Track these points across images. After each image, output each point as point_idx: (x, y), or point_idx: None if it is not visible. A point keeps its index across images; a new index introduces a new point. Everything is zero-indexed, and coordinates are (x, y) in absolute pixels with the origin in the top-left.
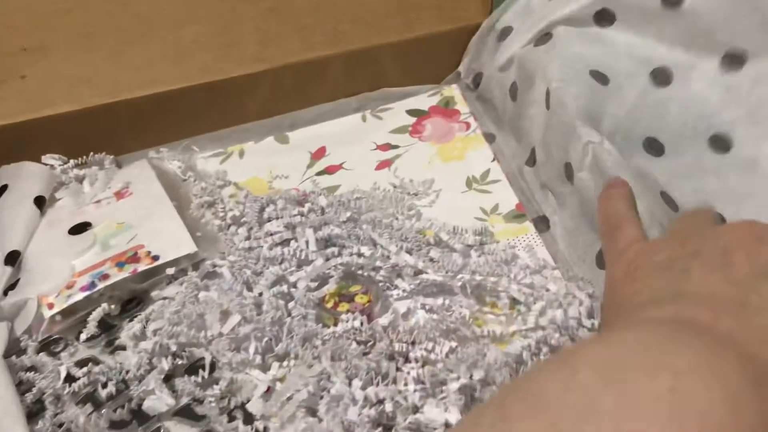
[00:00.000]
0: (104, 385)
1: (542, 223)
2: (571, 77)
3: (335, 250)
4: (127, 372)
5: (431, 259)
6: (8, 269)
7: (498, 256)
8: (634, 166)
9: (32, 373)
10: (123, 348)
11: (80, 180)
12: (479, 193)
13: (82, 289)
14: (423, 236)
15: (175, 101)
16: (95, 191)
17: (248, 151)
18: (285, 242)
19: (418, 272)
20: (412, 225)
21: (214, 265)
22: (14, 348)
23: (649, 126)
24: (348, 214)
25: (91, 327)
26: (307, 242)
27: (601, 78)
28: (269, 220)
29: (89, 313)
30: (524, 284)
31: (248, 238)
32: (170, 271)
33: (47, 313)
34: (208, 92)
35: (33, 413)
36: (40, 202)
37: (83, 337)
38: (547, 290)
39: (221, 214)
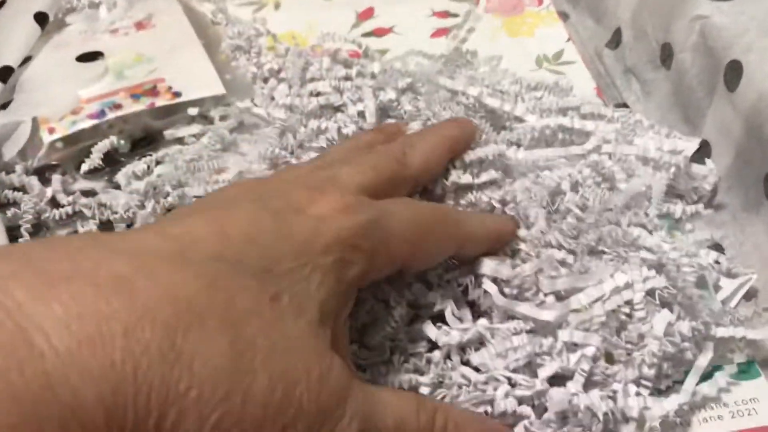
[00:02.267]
0: (86, 220)
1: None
2: None
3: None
4: (114, 213)
5: None
6: None
7: None
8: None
9: (19, 193)
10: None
11: (96, 6)
12: (551, 73)
13: (90, 116)
14: None
15: None
16: (113, 18)
17: (285, 2)
18: (329, 108)
19: None
20: None
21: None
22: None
23: None
24: (408, 80)
25: (95, 158)
26: (361, 112)
27: None
28: (312, 80)
29: (94, 144)
30: None
31: (288, 95)
32: (192, 111)
33: (47, 138)
34: None
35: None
36: (41, 19)
37: (84, 168)
38: None
39: (256, 62)
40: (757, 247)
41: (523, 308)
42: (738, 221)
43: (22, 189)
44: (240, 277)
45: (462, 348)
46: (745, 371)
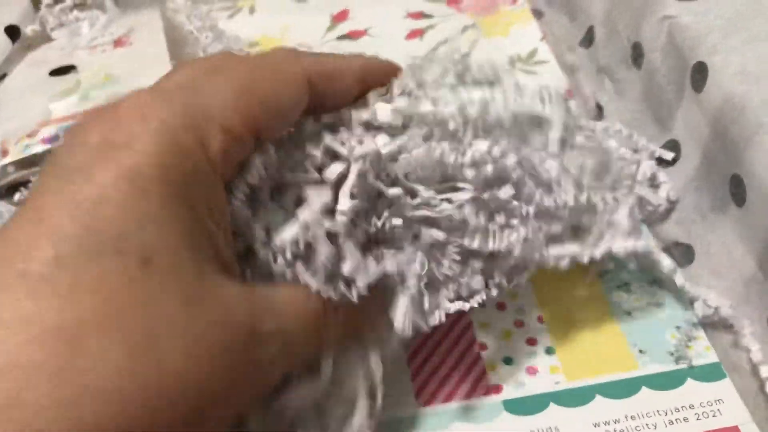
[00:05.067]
0: None
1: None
2: None
3: None
4: None
5: None
6: None
7: None
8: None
9: None
10: None
11: (80, 21)
12: (524, 73)
13: (43, 141)
14: None
15: None
16: (93, 34)
17: (260, 6)
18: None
19: None
20: None
21: None
22: None
23: None
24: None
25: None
26: None
27: None
28: None
29: None
30: None
31: None
32: None
33: (0, 161)
34: None
35: None
36: (12, 32)
37: (16, 196)
38: None
39: None
40: (725, 246)
41: None
42: (707, 221)
43: None
44: (95, 264)
45: None
46: (710, 373)
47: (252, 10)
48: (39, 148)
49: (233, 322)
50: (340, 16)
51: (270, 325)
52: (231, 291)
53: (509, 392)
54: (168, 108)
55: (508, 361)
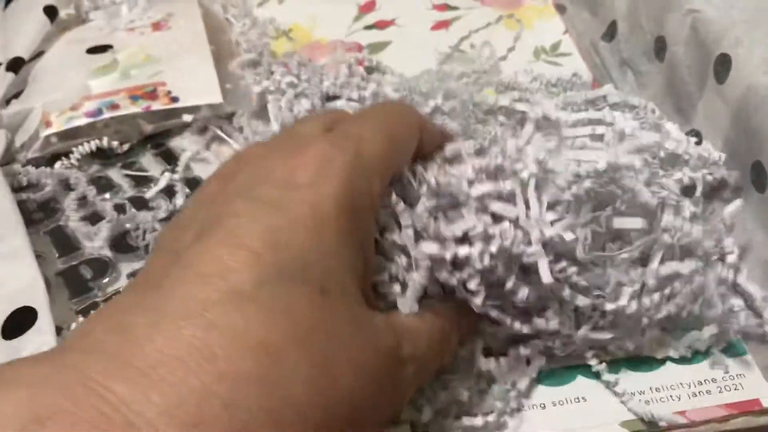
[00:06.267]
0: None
1: None
2: None
3: None
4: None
5: None
6: (10, 75)
7: None
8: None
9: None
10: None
11: (118, 4)
12: (548, 64)
13: (87, 114)
14: None
15: None
16: (132, 16)
17: None
18: None
19: None
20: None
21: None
22: (11, 158)
23: None
24: (433, 102)
25: (73, 159)
26: None
27: None
28: (332, 98)
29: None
30: None
31: (290, 109)
32: (187, 118)
33: (43, 132)
34: None
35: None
36: (50, 12)
37: (57, 165)
38: None
39: (268, 75)
40: (745, 232)
41: None
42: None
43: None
44: (288, 290)
45: None
46: (732, 348)
47: (281, 0)
48: (82, 121)
49: (383, 347)
50: (368, 7)
51: (408, 349)
52: (378, 319)
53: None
54: (344, 156)
55: None
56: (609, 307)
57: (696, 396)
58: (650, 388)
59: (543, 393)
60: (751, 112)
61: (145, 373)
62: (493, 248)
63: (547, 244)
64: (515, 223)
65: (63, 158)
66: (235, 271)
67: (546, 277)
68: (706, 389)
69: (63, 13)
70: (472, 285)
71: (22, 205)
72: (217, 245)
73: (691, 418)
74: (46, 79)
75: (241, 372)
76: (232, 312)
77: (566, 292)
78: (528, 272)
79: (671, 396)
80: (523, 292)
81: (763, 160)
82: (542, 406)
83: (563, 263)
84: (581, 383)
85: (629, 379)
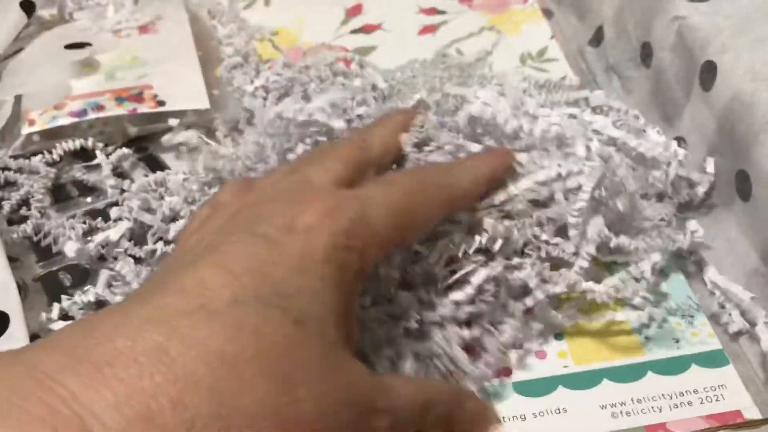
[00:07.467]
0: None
1: None
2: None
3: None
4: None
5: None
6: None
7: None
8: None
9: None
10: None
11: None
12: (534, 70)
13: (71, 114)
14: None
15: None
16: (119, 18)
17: None
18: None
19: None
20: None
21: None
22: None
23: None
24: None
25: (55, 154)
26: None
27: None
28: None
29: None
30: None
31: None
32: (173, 122)
33: (25, 130)
34: None
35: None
36: (27, 7)
37: (35, 159)
38: None
39: (252, 78)
40: (728, 241)
41: None
42: (712, 215)
43: (19, 171)
44: (261, 312)
45: None
46: (713, 359)
47: (267, 2)
48: (66, 121)
49: (357, 392)
50: (354, 11)
51: (384, 402)
52: (358, 368)
53: (519, 375)
54: (344, 215)
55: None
56: None
57: (677, 407)
58: (631, 399)
59: (523, 404)
60: (736, 120)
61: (99, 369)
62: None
63: None
64: None
65: (45, 152)
66: (211, 289)
67: None
68: (688, 400)
69: (46, 14)
70: None
71: None
72: (205, 266)
73: (671, 429)
74: (22, 73)
75: (194, 376)
76: (198, 323)
77: None
78: None
79: (652, 407)
80: None
81: (747, 169)
82: (522, 417)
83: None
84: (562, 393)
85: (610, 390)
